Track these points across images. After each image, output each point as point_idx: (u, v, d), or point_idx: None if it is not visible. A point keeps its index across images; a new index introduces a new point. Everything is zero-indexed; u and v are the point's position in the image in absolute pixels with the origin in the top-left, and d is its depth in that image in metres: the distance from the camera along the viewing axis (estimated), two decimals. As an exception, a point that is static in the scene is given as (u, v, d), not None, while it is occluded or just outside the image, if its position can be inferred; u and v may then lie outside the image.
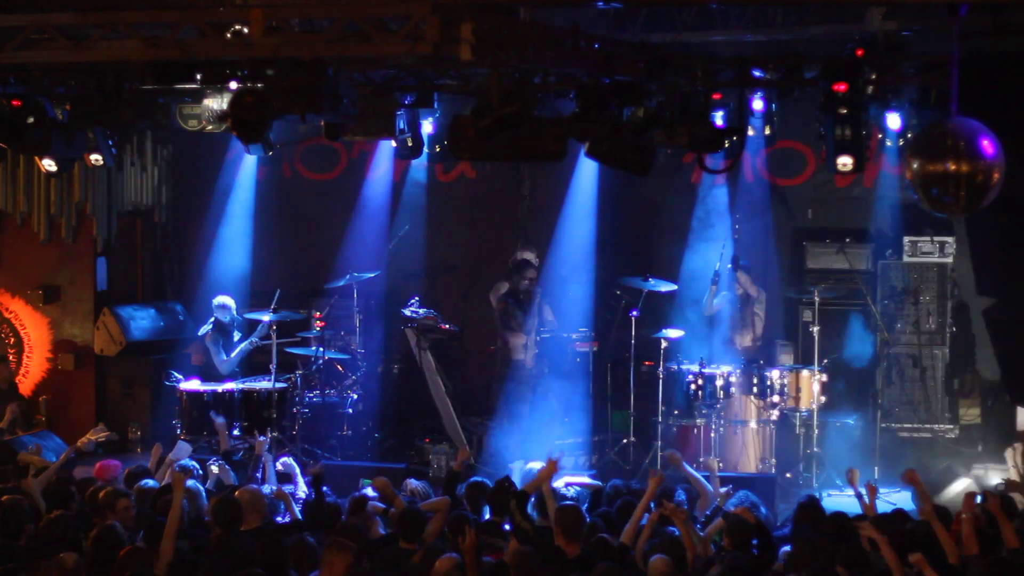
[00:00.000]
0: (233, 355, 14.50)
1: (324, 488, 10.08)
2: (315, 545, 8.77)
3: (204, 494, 10.27)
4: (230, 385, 14.09)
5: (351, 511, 9.85)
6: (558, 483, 11.68)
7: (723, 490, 10.87)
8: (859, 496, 10.01)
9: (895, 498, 12.03)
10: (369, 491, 10.34)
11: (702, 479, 11.02)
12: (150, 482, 10.64)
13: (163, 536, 8.69)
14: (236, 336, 14.64)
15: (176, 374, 14.27)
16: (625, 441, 13.90)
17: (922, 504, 9.51)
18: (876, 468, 13.23)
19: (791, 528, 9.87)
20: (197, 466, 11.39)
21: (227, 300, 14.60)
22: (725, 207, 14.60)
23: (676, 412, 13.76)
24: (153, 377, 14.98)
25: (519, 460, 12.39)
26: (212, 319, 14.52)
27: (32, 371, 15.45)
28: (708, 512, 10.49)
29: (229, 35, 9.77)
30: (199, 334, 14.72)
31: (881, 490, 10.81)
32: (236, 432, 13.59)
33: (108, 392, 15.47)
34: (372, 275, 14.67)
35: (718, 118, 12.02)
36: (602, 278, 14.85)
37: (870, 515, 9.56)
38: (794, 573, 8.49)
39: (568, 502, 9.61)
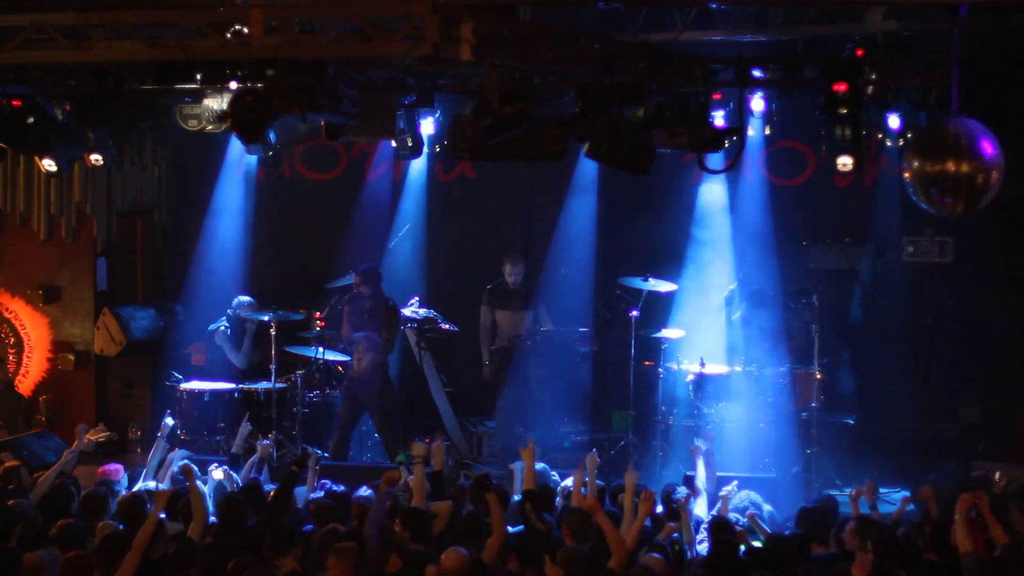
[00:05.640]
0: (244, 349, 14.54)
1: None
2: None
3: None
4: (230, 385, 14.10)
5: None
6: (567, 482, 11.70)
7: (725, 489, 10.85)
8: (868, 504, 9.95)
9: (895, 499, 12.03)
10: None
11: (703, 478, 11.01)
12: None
13: (131, 548, 8.29)
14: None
15: (176, 374, 14.28)
16: (624, 442, 13.89)
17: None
18: (876, 468, 13.22)
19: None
20: (196, 469, 11.37)
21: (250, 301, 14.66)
22: (725, 207, 14.61)
23: (676, 412, 13.78)
24: (153, 377, 14.98)
25: (519, 461, 12.37)
26: (225, 317, 14.52)
27: (32, 371, 15.44)
28: (712, 512, 10.48)
29: (229, 35, 9.78)
30: (209, 329, 14.70)
31: (881, 491, 10.81)
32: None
33: (108, 392, 15.46)
34: (372, 275, 14.65)
35: (718, 118, 12.03)
36: (602, 278, 14.84)
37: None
38: None
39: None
